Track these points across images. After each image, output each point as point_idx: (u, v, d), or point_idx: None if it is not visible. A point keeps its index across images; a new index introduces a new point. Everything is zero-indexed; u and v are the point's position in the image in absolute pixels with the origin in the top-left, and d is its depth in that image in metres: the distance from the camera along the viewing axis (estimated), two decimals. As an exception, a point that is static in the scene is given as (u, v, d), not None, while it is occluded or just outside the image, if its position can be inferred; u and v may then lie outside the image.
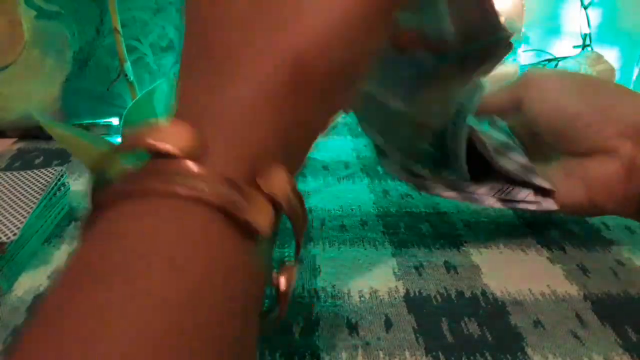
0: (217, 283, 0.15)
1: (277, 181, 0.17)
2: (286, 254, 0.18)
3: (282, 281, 0.18)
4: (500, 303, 0.31)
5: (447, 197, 0.34)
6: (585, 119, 0.32)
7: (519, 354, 0.27)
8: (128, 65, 0.47)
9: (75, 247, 0.16)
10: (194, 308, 0.14)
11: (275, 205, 0.17)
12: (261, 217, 0.16)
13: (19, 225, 0.33)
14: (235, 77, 0.18)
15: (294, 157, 0.19)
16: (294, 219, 0.18)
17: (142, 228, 0.15)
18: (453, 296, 0.32)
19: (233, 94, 0.17)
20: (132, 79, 0.45)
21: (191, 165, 0.16)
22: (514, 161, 0.35)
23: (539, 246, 0.37)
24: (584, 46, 0.69)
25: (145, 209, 0.15)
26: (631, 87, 0.66)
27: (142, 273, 0.14)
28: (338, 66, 0.18)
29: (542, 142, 0.35)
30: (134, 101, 0.35)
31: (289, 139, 0.18)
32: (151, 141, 0.16)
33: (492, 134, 0.37)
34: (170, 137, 0.16)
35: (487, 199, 0.34)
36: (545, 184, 0.34)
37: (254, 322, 0.17)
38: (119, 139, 0.33)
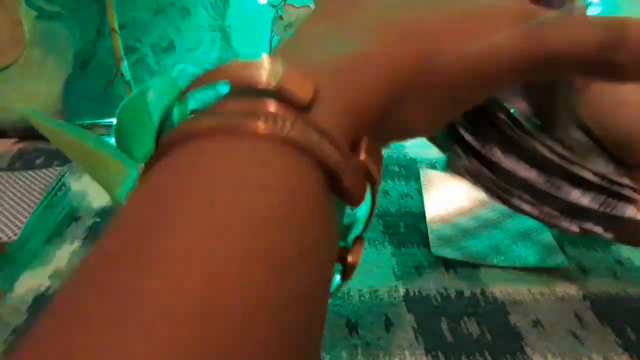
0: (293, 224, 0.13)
1: (371, 152, 0.15)
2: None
3: (354, 251, 0.17)
4: (499, 302, 0.31)
5: (524, 212, 0.25)
6: None
7: (518, 353, 0.27)
8: (125, 65, 0.47)
9: (135, 183, 0.14)
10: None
11: (366, 175, 0.15)
12: (357, 186, 0.15)
13: (20, 225, 0.33)
14: (361, 36, 0.16)
15: (383, 141, 0.17)
16: (375, 193, 0.17)
17: (219, 165, 0.13)
18: (453, 296, 0.32)
19: (354, 53, 0.15)
20: (128, 78, 0.45)
21: (274, 102, 0.13)
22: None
23: (538, 246, 0.37)
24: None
25: (221, 146, 0.13)
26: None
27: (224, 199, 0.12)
28: (465, 84, 0.17)
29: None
30: (126, 100, 0.34)
31: (390, 123, 0.17)
32: (239, 74, 0.14)
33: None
34: (264, 73, 0.13)
35: (570, 224, 0.24)
36: None
37: (329, 274, 0.16)
38: (112, 140, 0.33)
